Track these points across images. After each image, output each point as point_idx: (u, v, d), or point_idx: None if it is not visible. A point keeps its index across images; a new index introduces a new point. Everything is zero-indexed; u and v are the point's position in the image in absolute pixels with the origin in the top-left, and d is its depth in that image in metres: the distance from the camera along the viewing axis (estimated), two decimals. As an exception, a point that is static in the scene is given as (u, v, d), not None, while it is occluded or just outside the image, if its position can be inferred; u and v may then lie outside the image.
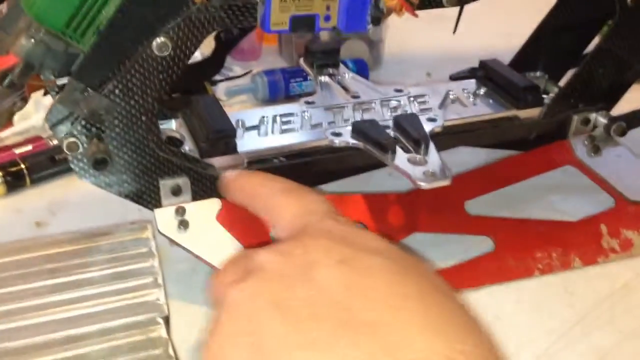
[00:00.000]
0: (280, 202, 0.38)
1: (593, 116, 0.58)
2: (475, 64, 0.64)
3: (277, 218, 0.38)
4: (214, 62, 0.77)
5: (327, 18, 0.45)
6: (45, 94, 0.68)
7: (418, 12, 0.46)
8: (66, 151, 0.44)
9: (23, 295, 0.43)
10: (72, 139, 0.43)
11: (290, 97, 0.76)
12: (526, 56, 0.64)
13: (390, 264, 0.32)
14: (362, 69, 0.78)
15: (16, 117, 0.68)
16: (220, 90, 0.78)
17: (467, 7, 0.51)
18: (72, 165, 0.44)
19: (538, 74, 0.64)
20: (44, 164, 0.62)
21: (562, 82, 0.62)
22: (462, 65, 0.65)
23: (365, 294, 0.30)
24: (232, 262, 0.36)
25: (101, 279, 0.44)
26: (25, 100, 0.69)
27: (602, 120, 0.58)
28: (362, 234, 0.35)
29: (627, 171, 0.57)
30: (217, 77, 0.79)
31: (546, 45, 0.63)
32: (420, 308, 0.30)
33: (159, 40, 0.42)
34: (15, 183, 0.60)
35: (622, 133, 0.57)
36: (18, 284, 0.44)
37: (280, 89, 0.77)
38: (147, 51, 0.42)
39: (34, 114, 0.68)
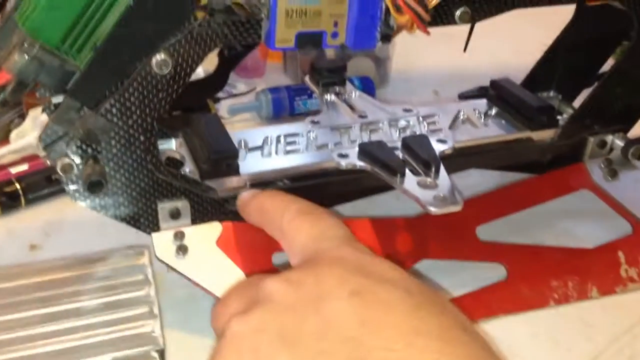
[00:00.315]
0: (295, 225, 0.37)
1: (610, 138, 0.56)
2: (483, 82, 0.62)
3: (290, 241, 0.37)
4: (217, 79, 0.76)
5: (335, 35, 0.43)
6: (44, 110, 0.66)
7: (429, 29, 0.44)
8: (60, 173, 0.42)
9: (12, 326, 0.41)
10: (66, 160, 0.42)
11: (294, 116, 0.75)
12: (539, 75, 0.62)
13: (407, 297, 0.30)
14: (368, 86, 0.77)
15: (13, 135, 0.67)
16: (223, 107, 0.76)
17: (476, 25, 0.49)
18: (65, 188, 0.43)
19: (551, 93, 0.62)
20: (40, 184, 0.60)
21: (576, 103, 0.60)
22: (470, 83, 0.63)
23: (380, 330, 0.29)
24: (237, 290, 0.34)
25: (94, 308, 0.42)
26: (22, 117, 0.68)
27: (619, 142, 0.56)
28: (379, 263, 0.33)
29: (646, 196, 0.55)
30: (220, 95, 0.78)
31: (560, 64, 0.61)
32: (437, 345, 0.28)
33: (159, 57, 0.40)
34: (10, 204, 0.58)
35: (640, 156, 0.55)
36: (7, 313, 0.42)
37: (284, 106, 0.75)
38: (147, 69, 0.41)
39: (31, 131, 0.66)
